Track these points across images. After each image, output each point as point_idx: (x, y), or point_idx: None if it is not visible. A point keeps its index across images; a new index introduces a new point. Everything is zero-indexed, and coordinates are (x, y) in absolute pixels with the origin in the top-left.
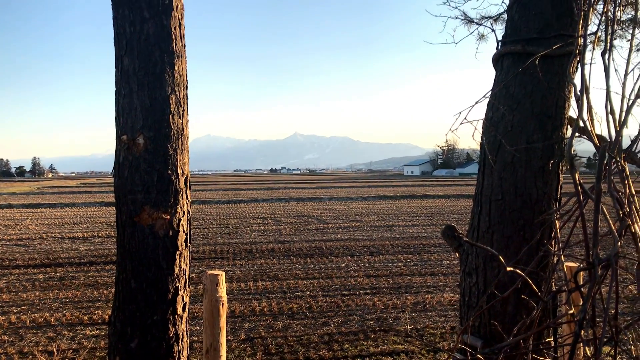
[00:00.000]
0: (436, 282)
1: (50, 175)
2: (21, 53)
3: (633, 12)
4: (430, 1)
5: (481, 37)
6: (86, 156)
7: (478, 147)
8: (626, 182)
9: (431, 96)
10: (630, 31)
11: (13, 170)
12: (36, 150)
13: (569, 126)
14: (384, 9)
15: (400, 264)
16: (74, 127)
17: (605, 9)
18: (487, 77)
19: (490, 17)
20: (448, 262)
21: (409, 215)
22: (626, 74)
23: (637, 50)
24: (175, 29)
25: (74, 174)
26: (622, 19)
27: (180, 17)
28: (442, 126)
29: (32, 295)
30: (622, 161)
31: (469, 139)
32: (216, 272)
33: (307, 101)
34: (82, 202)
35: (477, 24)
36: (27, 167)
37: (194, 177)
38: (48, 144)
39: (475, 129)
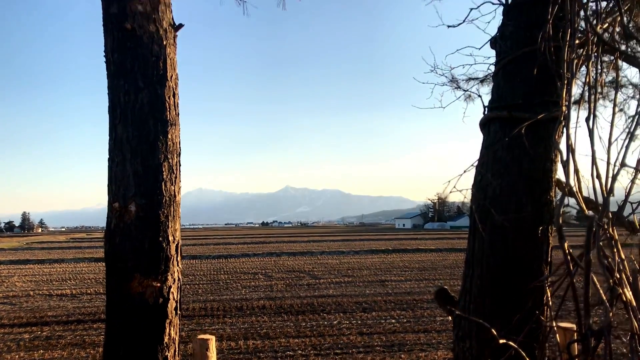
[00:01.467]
0: (430, 339)
1: (39, 230)
2: (12, 108)
3: (615, 74)
4: (419, 69)
5: (468, 97)
6: (77, 210)
7: (468, 200)
8: (615, 249)
9: (421, 150)
10: (614, 92)
11: (2, 225)
12: (26, 205)
13: (557, 189)
14: (376, 72)
15: (393, 320)
16: (65, 182)
17: (588, 79)
18: (474, 131)
19: (477, 79)
20: (441, 318)
21: (402, 270)
22: (610, 140)
23: (620, 110)
24: (169, 98)
25: (63, 229)
26: (605, 80)
27: (174, 86)
28: (432, 179)
29: (17, 356)
30: (611, 229)
31: (460, 194)
32: (206, 336)
33: (299, 155)
34: (71, 258)
35: (464, 90)
36: (17, 222)
37: (184, 231)
38: (38, 198)
39: (465, 197)
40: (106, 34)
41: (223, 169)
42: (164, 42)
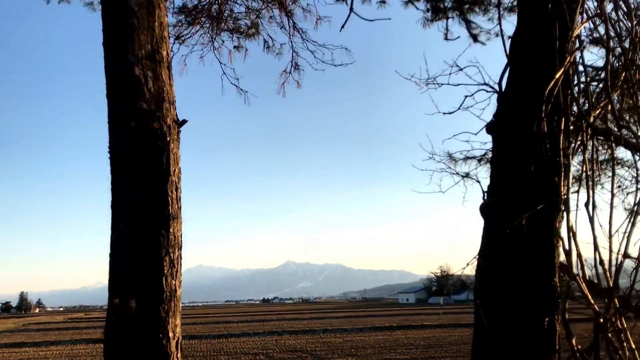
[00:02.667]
0: None
1: (37, 311)
2: (9, 189)
3: (610, 153)
4: (417, 156)
5: (466, 175)
6: (75, 289)
7: (472, 273)
8: (624, 342)
9: (423, 222)
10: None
11: None
12: (24, 284)
13: (561, 274)
14: (376, 147)
15: None
16: (63, 260)
17: (585, 168)
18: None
19: (474, 157)
20: None
21: (406, 348)
22: (611, 231)
23: (619, 187)
24: (171, 192)
25: (62, 309)
26: (602, 160)
27: (177, 180)
28: (435, 253)
29: None
30: (619, 322)
31: (463, 265)
32: None
33: (300, 229)
34: (68, 340)
35: (462, 176)
36: (14, 303)
37: (184, 309)
38: (36, 277)
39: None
40: (111, 132)
41: (223, 245)
42: (168, 138)
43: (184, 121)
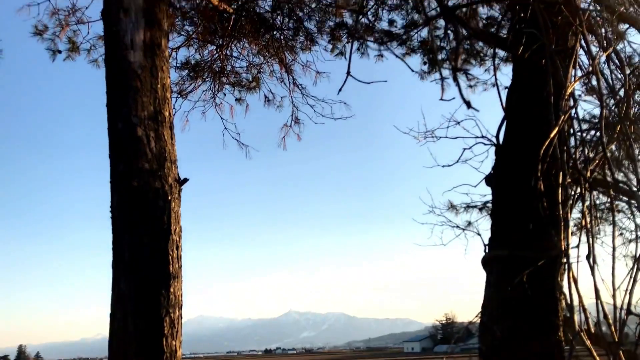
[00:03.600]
0: None
1: None
2: (9, 240)
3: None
4: (418, 210)
5: (467, 226)
6: (75, 341)
7: (477, 320)
8: None
9: (427, 270)
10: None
11: None
12: (22, 337)
13: (565, 328)
14: (377, 197)
15: None
16: (62, 311)
17: (584, 222)
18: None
19: (475, 206)
20: None
21: None
22: (613, 279)
23: (620, 234)
24: (172, 251)
25: None
26: (601, 207)
27: (178, 239)
28: (440, 300)
29: None
30: None
31: (468, 314)
32: None
33: (302, 277)
34: None
35: (463, 229)
36: (12, 356)
37: None
38: (35, 330)
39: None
40: (113, 191)
41: (223, 294)
42: (169, 197)
43: (185, 179)
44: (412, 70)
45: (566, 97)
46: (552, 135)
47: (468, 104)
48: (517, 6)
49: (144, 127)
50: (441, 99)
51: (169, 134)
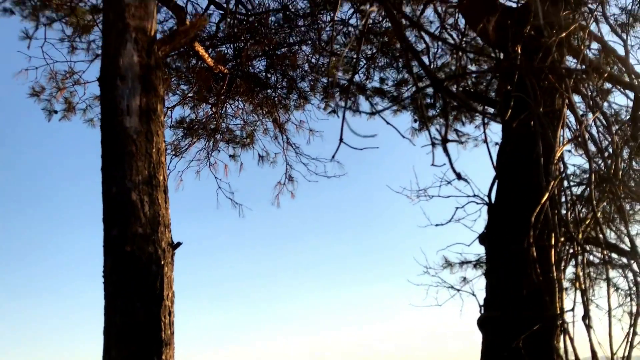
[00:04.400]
0: None
1: None
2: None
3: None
4: (411, 270)
5: (463, 284)
6: None
7: None
8: None
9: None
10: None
11: None
12: None
13: None
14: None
15: None
16: None
17: (578, 284)
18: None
19: (469, 262)
20: None
21: None
22: (611, 339)
23: (616, 289)
24: (164, 317)
25: None
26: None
27: (170, 304)
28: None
29: None
30: None
31: None
32: None
33: (299, 340)
34: None
35: (458, 290)
36: None
37: None
38: None
39: None
40: (106, 256)
41: (216, 356)
42: (162, 262)
43: (179, 244)
44: (403, 137)
45: (555, 160)
46: (542, 200)
47: (458, 176)
48: (505, 71)
49: (139, 191)
50: (432, 165)
51: (163, 197)
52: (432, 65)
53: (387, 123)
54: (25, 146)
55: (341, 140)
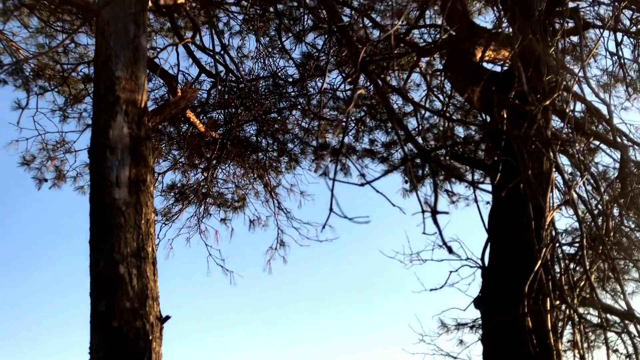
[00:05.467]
0: None
1: None
2: None
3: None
4: (407, 338)
5: (460, 342)
6: None
7: None
8: None
9: None
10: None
11: None
12: None
13: None
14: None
15: None
16: None
17: (576, 350)
18: None
19: (466, 324)
20: None
21: None
22: None
23: (615, 350)
24: None
25: None
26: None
27: None
28: None
29: None
30: None
31: None
32: None
33: None
34: None
35: (454, 358)
36: None
37: None
38: None
39: None
40: (92, 332)
41: None
42: (150, 337)
43: (167, 317)
44: (393, 205)
45: (546, 226)
46: (535, 269)
47: (449, 249)
48: (491, 136)
49: (127, 264)
50: (424, 233)
51: (151, 270)
52: (420, 127)
53: (377, 192)
54: (12, 213)
55: (331, 209)
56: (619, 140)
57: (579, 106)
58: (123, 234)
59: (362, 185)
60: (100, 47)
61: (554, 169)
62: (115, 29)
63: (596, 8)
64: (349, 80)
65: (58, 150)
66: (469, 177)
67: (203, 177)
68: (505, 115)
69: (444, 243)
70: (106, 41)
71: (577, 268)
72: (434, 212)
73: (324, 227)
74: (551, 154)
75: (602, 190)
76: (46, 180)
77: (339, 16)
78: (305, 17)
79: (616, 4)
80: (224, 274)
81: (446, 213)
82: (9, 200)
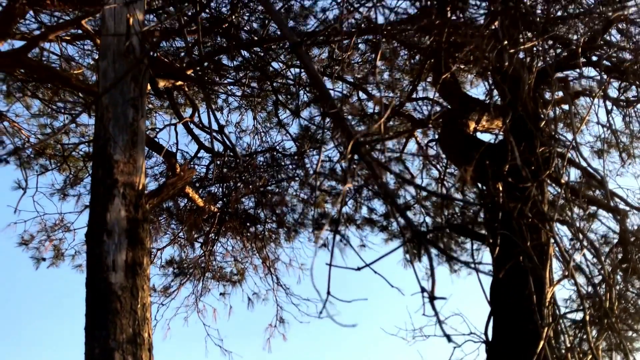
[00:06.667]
0: None
1: None
2: None
3: None
4: None
5: None
6: None
7: None
8: None
9: None
10: None
11: None
12: None
13: None
14: None
15: None
16: None
17: None
18: None
19: None
20: None
21: None
22: None
23: None
24: None
25: None
26: None
27: None
28: None
29: None
30: None
31: None
32: None
33: None
34: None
35: None
36: None
37: None
38: None
39: None
40: None
41: None
42: None
43: None
44: (392, 286)
45: (547, 303)
46: (538, 350)
47: (448, 338)
48: (488, 210)
49: (122, 351)
50: (424, 315)
51: (147, 356)
52: (418, 195)
53: (375, 272)
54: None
55: (328, 293)
56: (617, 204)
57: (575, 171)
58: (119, 319)
59: (358, 269)
60: (99, 132)
61: (552, 242)
62: (114, 113)
63: (584, 81)
64: (342, 160)
65: (57, 230)
66: (468, 246)
67: (202, 251)
68: (501, 188)
69: (443, 332)
70: (105, 127)
71: (583, 340)
72: (432, 298)
73: (321, 312)
74: (548, 228)
75: (603, 258)
76: (44, 259)
77: (332, 102)
78: (301, 92)
79: (603, 74)
80: (222, 354)
81: (444, 298)
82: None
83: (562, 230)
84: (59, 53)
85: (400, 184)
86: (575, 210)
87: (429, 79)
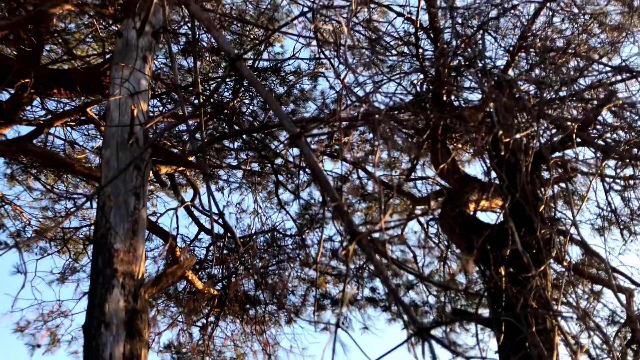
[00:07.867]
0: None
1: None
2: None
3: None
4: None
5: None
6: None
7: None
8: None
9: None
10: None
11: None
12: None
13: None
14: None
15: None
16: None
17: None
18: None
19: None
20: None
21: None
22: None
23: None
24: None
25: None
26: None
27: None
28: None
29: None
30: None
31: None
32: None
33: None
34: None
35: None
36: None
37: None
38: None
39: None
40: None
41: None
42: None
43: None
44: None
45: None
46: None
47: None
48: (492, 295)
49: None
50: None
51: None
52: (420, 270)
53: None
54: None
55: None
56: (620, 282)
57: (577, 249)
58: None
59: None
60: (100, 220)
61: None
62: (115, 202)
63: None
64: (343, 252)
65: (53, 316)
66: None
67: (201, 334)
68: (503, 272)
69: None
70: (105, 216)
71: None
72: None
73: None
74: (552, 314)
75: (611, 342)
76: (39, 346)
77: (333, 194)
78: (301, 173)
79: (599, 154)
80: None
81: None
82: None
83: (567, 310)
84: (64, 137)
85: (402, 271)
86: (580, 286)
87: (428, 158)
